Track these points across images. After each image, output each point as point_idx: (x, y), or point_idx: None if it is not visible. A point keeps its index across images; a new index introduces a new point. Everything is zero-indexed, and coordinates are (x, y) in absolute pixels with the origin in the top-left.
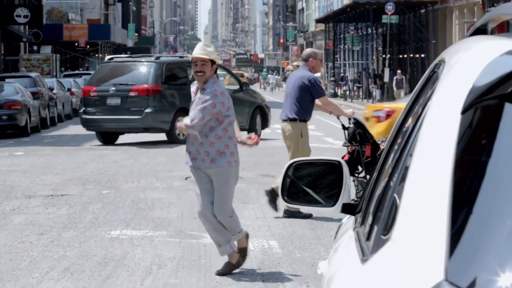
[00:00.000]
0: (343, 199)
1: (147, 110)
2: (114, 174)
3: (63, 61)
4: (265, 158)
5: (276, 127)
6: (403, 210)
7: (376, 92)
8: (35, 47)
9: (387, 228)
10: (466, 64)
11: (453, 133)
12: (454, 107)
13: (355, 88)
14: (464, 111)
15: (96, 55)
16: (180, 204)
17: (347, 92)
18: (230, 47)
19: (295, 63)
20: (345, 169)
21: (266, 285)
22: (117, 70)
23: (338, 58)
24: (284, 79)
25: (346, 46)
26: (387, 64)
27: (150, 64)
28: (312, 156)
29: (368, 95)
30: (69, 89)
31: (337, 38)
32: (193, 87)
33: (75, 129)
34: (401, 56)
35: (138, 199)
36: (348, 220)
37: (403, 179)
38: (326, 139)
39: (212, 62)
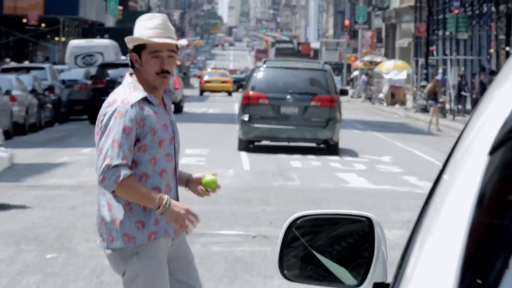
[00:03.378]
0: (374, 275)
1: (331, 122)
2: (67, 228)
3: (2, 47)
4: (301, 207)
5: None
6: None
7: None
8: None
9: None
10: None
11: (474, 183)
12: (482, 145)
13: (460, 99)
14: (492, 151)
15: (56, 38)
16: None
17: (447, 105)
18: (268, 31)
19: (367, 58)
20: (378, 230)
21: None
22: (279, 76)
23: (434, 51)
24: (349, 82)
25: (446, 33)
26: None
27: (322, 72)
28: (329, 209)
29: None
30: (7, 92)
31: (433, 20)
32: (133, 98)
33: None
34: None
35: (101, 268)
36: None
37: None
38: (407, 179)
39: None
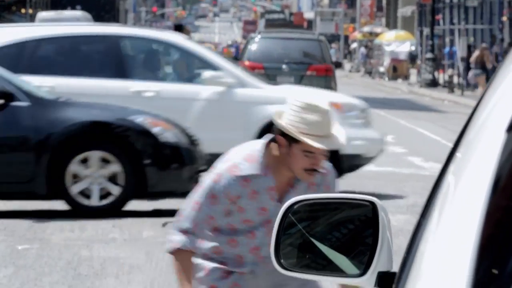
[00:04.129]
0: (378, 264)
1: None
2: (40, 219)
3: None
4: None
5: None
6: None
7: None
8: None
9: None
10: None
11: (490, 163)
12: (498, 122)
13: (469, 73)
14: (511, 128)
15: (23, 10)
16: (150, 269)
17: (455, 79)
18: (257, 0)
19: (366, 29)
20: (382, 215)
21: None
22: (274, 46)
23: (441, 20)
24: (346, 55)
25: (454, 0)
26: None
27: (318, 42)
28: (328, 193)
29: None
30: None
31: None
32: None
33: None
34: None
35: (78, 260)
36: None
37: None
38: (411, 160)
39: None
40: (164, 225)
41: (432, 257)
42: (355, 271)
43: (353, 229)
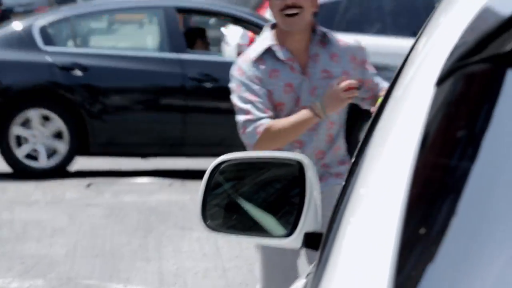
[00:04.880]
0: (305, 224)
1: None
2: None
3: None
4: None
5: None
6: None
7: None
8: None
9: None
10: (459, 6)
11: (419, 118)
12: (428, 75)
13: None
14: (440, 81)
15: None
16: (73, 232)
17: None
18: None
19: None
20: (310, 174)
21: None
22: None
23: None
24: None
25: None
26: None
27: None
28: (255, 151)
29: None
30: None
31: None
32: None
33: None
34: None
35: None
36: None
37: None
38: None
39: None
40: (88, 186)
41: (358, 217)
42: (282, 231)
43: (280, 188)
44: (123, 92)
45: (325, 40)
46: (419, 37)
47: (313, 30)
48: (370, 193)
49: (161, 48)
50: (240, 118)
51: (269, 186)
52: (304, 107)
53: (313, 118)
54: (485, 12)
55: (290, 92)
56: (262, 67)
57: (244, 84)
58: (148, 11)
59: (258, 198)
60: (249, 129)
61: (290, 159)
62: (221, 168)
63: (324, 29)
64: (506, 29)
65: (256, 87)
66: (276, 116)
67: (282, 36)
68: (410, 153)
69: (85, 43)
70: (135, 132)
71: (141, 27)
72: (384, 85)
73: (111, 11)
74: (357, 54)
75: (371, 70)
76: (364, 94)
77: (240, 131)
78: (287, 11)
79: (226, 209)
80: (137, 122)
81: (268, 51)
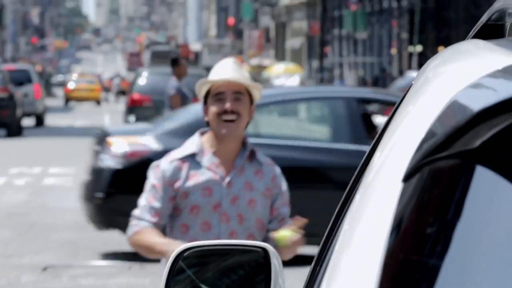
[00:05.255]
0: None
1: None
2: None
3: None
4: None
5: None
6: None
7: None
8: None
9: None
10: (427, 98)
11: (388, 213)
12: (395, 170)
13: None
14: (407, 177)
15: None
16: None
17: None
18: (141, 30)
19: (254, 61)
20: (275, 261)
21: None
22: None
23: (330, 52)
24: None
25: (343, 32)
26: (416, 62)
27: (199, 77)
28: (220, 240)
29: None
30: None
31: (328, 18)
32: (174, 163)
33: None
34: (442, 49)
35: None
36: None
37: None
38: None
39: (250, 97)
40: (44, 269)
41: None
42: None
43: (244, 275)
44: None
45: (252, 155)
46: (388, 122)
47: (243, 143)
48: (340, 283)
49: (340, 139)
50: (136, 208)
51: (233, 272)
52: (225, 214)
53: (168, 253)
54: (453, 106)
55: (208, 196)
56: (183, 169)
57: (152, 186)
58: (328, 101)
59: (222, 284)
60: (133, 222)
61: (254, 246)
62: (184, 255)
63: (252, 145)
64: (475, 124)
65: (161, 193)
66: (191, 220)
67: (212, 142)
68: (379, 249)
69: (258, 133)
70: None
71: (318, 117)
72: (288, 221)
73: (292, 101)
74: (278, 178)
75: (285, 199)
76: (271, 226)
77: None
78: (225, 117)
79: None
80: None
81: (192, 156)
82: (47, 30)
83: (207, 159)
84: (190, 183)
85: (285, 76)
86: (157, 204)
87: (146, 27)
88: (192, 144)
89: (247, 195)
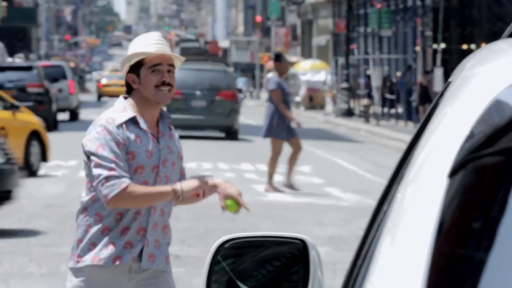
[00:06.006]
0: None
1: (233, 112)
2: None
3: None
4: (215, 223)
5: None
6: None
7: (422, 111)
8: None
9: None
10: (467, 97)
11: (434, 208)
12: (440, 167)
13: (385, 102)
14: (452, 173)
15: None
16: None
17: (370, 109)
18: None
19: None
20: (313, 253)
21: None
22: (188, 76)
23: (355, 50)
24: (262, 84)
25: (368, 29)
26: (439, 60)
27: (224, 72)
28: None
29: (408, 116)
30: None
31: (353, 16)
32: (121, 118)
33: None
34: (466, 47)
35: None
36: None
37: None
38: (329, 190)
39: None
40: None
41: None
42: None
43: (280, 266)
44: None
45: (169, 121)
46: (424, 123)
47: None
48: (385, 278)
49: None
50: (102, 172)
51: (268, 264)
52: (159, 175)
53: (170, 195)
54: (495, 104)
55: (150, 157)
56: (127, 131)
57: (108, 145)
58: None
59: (258, 275)
60: (112, 182)
61: (293, 239)
62: (226, 246)
63: (168, 113)
64: None
65: (117, 151)
66: (135, 179)
67: (137, 108)
68: (426, 243)
69: None
70: None
71: None
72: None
73: None
74: (179, 140)
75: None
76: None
77: (99, 183)
78: (162, 87)
79: (227, 286)
80: None
81: (131, 120)
82: (80, 27)
83: (142, 123)
84: (137, 144)
85: (311, 72)
86: (122, 163)
87: (176, 25)
88: (126, 109)
89: (170, 158)
